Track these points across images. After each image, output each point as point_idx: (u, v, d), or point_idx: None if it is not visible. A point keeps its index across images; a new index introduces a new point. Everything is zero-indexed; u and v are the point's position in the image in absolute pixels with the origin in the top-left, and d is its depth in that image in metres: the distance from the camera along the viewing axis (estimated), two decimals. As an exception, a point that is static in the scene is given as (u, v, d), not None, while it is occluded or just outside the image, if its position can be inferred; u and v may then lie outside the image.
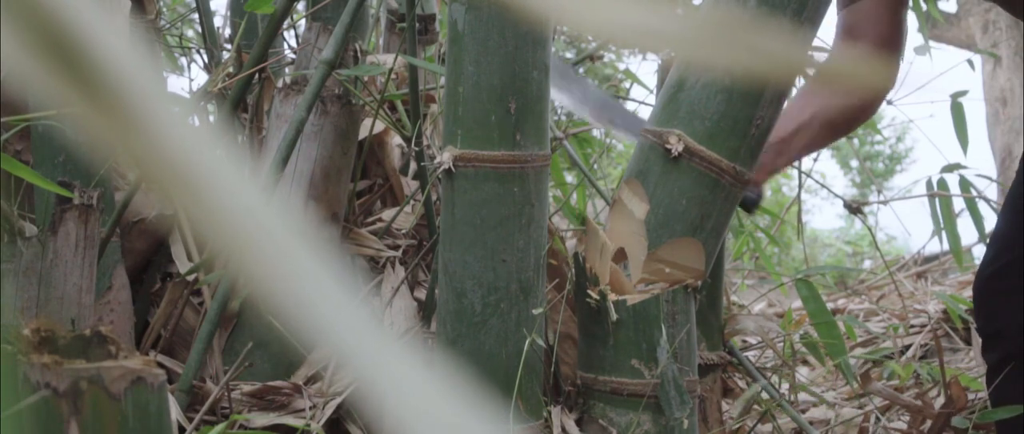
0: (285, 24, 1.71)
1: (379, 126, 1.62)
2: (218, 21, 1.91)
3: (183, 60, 2.00)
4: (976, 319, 1.63)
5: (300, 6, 1.78)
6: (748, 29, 0.30)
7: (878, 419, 1.92)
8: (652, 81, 2.07)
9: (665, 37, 0.31)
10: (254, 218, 0.25)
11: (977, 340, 2.24)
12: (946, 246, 2.17)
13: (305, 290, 0.25)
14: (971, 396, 1.89)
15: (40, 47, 0.25)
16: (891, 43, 1.58)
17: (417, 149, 1.49)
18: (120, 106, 0.25)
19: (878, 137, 13.66)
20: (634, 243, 1.34)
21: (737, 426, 1.69)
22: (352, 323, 0.25)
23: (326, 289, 0.25)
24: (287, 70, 1.73)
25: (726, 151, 1.33)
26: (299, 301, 0.25)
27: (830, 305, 2.80)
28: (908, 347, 2.50)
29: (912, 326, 2.64)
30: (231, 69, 1.49)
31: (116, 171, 1.45)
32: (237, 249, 0.25)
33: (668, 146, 1.32)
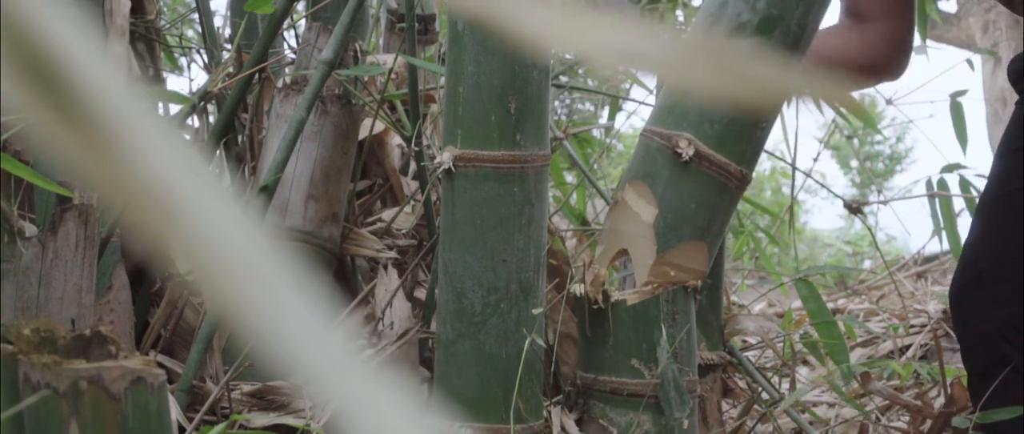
0: (285, 24, 1.70)
1: (379, 126, 1.61)
2: (218, 21, 1.91)
3: (183, 60, 2.00)
4: (954, 327, 1.63)
5: (300, 6, 1.78)
6: (737, 55, 0.29)
7: (878, 419, 1.92)
8: (652, 81, 2.07)
9: (654, 61, 0.30)
10: (232, 245, 0.25)
11: None
12: (946, 246, 2.17)
13: (279, 318, 0.25)
14: (971, 396, 1.89)
15: (20, 69, 0.25)
16: (899, 15, 1.53)
17: (417, 149, 1.49)
18: (98, 130, 0.25)
19: (878, 137, 13.66)
20: (642, 246, 1.34)
21: (737, 426, 1.69)
22: (326, 352, 0.25)
23: (301, 317, 0.25)
24: (287, 70, 1.73)
25: (735, 155, 1.34)
26: (274, 328, 0.25)
27: (830, 305, 2.80)
28: (908, 347, 2.50)
29: (912, 326, 2.64)
30: (231, 69, 1.49)
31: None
32: (213, 275, 0.25)
33: (678, 150, 1.32)
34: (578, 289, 1.36)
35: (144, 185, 0.25)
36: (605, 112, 2.78)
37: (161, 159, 0.25)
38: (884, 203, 2.41)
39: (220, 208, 0.25)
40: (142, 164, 0.25)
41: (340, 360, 0.25)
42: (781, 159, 2.35)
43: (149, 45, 1.69)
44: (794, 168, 2.04)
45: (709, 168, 1.33)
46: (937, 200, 2.10)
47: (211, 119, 1.70)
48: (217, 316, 1.28)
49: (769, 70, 0.29)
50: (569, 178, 2.48)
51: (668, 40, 0.30)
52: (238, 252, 0.25)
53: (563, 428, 1.34)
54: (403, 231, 1.62)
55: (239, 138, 1.63)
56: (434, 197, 1.60)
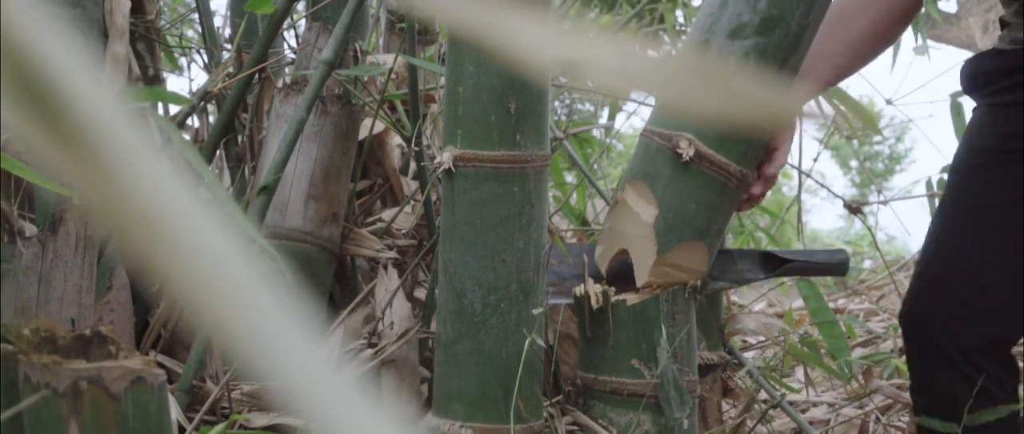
0: (285, 24, 1.70)
1: (379, 126, 1.61)
2: (218, 21, 1.91)
3: (183, 60, 2.00)
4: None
5: (300, 6, 1.78)
6: (730, 75, 0.29)
7: (878, 419, 1.92)
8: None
9: (647, 82, 0.30)
10: (220, 268, 0.25)
11: None
12: (946, 246, 2.16)
13: (266, 342, 0.25)
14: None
15: (13, 87, 0.25)
16: None
17: (417, 149, 1.49)
18: (90, 150, 0.25)
19: (878, 137, 13.65)
20: (642, 246, 1.34)
21: (737, 425, 1.68)
22: (314, 376, 0.25)
23: (288, 342, 0.25)
24: (287, 70, 1.73)
25: (735, 155, 1.34)
26: (261, 350, 0.25)
27: (830, 305, 2.80)
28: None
29: (912, 326, 2.63)
30: (231, 69, 1.49)
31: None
32: (200, 297, 0.25)
33: (679, 150, 1.32)
34: (578, 289, 1.36)
35: (133, 206, 0.25)
36: (605, 112, 2.78)
37: (150, 180, 0.25)
38: (884, 203, 2.41)
39: (209, 229, 0.25)
40: (132, 185, 0.25)
41: (325, 380, 0.25)
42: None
43: (149, 45, 1.69)
44: (800, 172, 2.04)
45: (709, 168, 1.33)
46: (937, 200, 2.10)
47: (211, 119, 1.70)
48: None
49: (762, 90, 0.29)
50: (569, 178, 2.48)
51: (660, 61, 0.30)
52: (227, 275, 0.25)
53: (572, 426, 1.34)
54: (403, 231, 1.62)
55: (239, 138, 1.63)
56: (434, 197, 1.60)
